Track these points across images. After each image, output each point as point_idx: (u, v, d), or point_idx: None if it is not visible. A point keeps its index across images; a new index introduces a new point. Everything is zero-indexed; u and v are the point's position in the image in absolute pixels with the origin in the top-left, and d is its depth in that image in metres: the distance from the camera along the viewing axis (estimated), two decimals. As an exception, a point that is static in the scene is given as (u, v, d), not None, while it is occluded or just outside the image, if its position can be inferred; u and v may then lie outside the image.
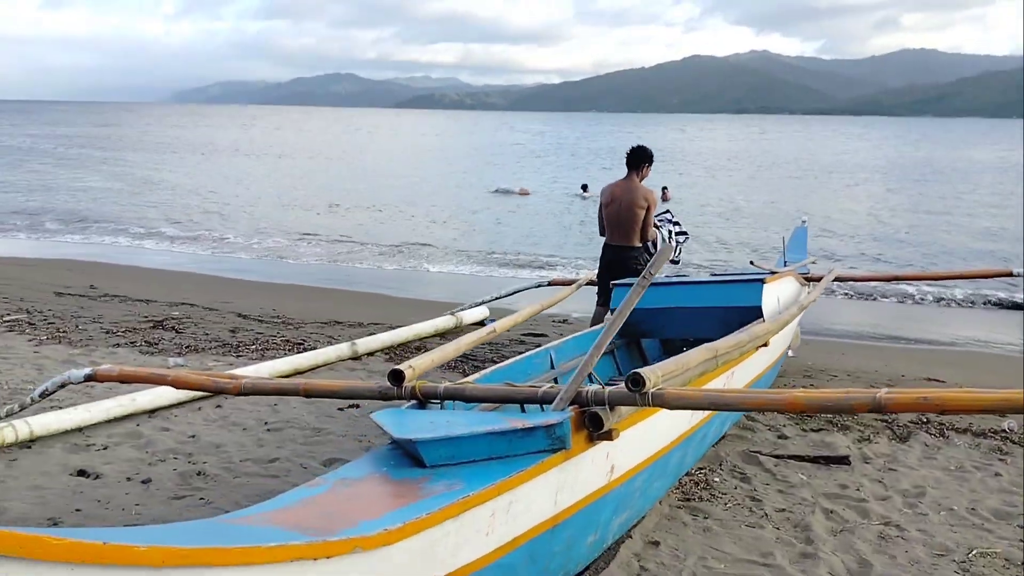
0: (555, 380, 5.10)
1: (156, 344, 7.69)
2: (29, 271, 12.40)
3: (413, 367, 3.61)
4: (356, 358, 7.36)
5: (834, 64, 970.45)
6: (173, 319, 8.86)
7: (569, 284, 8.13)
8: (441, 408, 3.54)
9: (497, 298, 8.66)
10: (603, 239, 7.46)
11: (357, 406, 5.75)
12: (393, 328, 8.26)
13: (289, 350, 7.55)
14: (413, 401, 3.51)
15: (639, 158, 7.16)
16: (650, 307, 5.79)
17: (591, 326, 7.11)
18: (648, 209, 7.14)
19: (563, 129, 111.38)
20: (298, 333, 8.43)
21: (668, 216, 7.99)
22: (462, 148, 64.83)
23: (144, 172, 35.67)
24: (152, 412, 5.59)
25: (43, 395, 4.38)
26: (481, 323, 8.67)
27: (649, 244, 7.24)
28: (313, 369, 6.89)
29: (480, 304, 8.87)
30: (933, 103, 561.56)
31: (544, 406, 3.30)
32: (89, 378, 4.14)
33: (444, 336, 8.26)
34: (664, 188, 26.81)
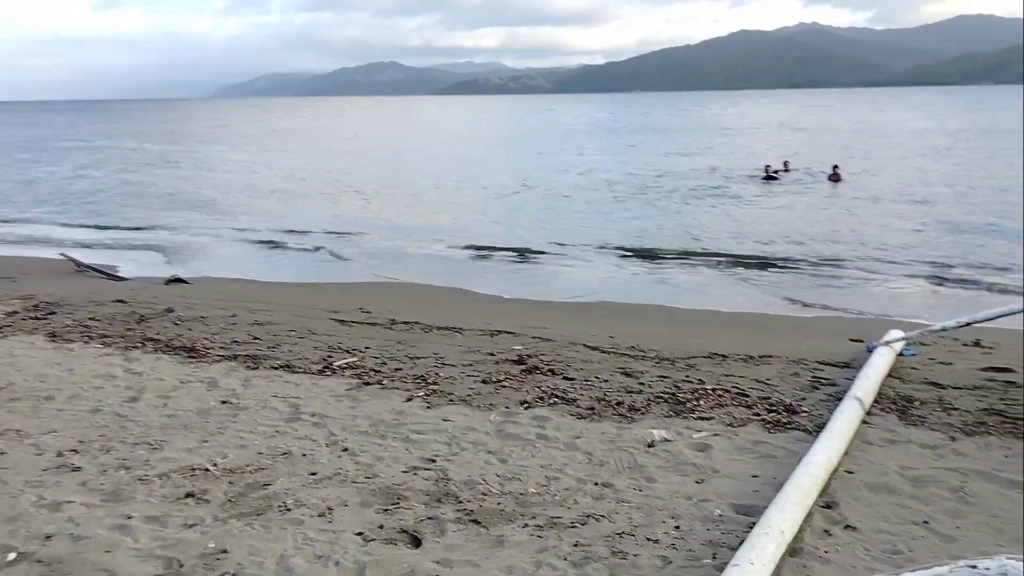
0: None
1: (591, 408, 5.70)
2: (263, 290, 10.67)
3: None
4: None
5: (887, 34, 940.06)
6: (532, 357, 6.95)
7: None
8: None
9: (967, 324, 6.58)
10: None
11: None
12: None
13: (727, 403, 5.63)
14: None
15: None
16: None
17: None
18: None
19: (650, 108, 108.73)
20: (697, 373, 6.45)
21: None
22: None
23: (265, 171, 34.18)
24: None
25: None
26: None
27: None
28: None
29: (938, 328, 6.83)
30: (993, 71, 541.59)
31: None
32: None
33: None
34: (835, 167, 24.48)
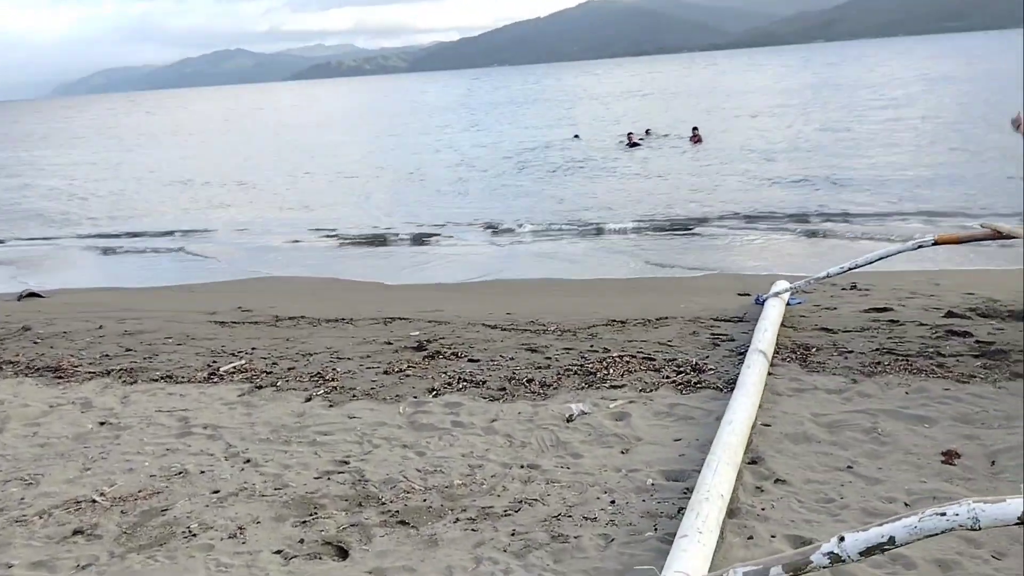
0: None
1: (503, 388, 5.55)
2: (127, 297, 9.92)
3: None
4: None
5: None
6: (432, 342, 6.72)
7: (964, 240, 6.46)
8: None
9: (851, 268, 6.80)
10: None
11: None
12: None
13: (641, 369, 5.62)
14: None
15: None
16: None
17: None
18: None
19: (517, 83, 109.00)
20: (601, 342, 6.42)
21: None
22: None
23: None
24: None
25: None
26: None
27: None
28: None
29: (823, 276, 7.04)
30: (822, 29, 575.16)
31: None
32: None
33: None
34: (695, 129, 25.25)
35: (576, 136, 29.02)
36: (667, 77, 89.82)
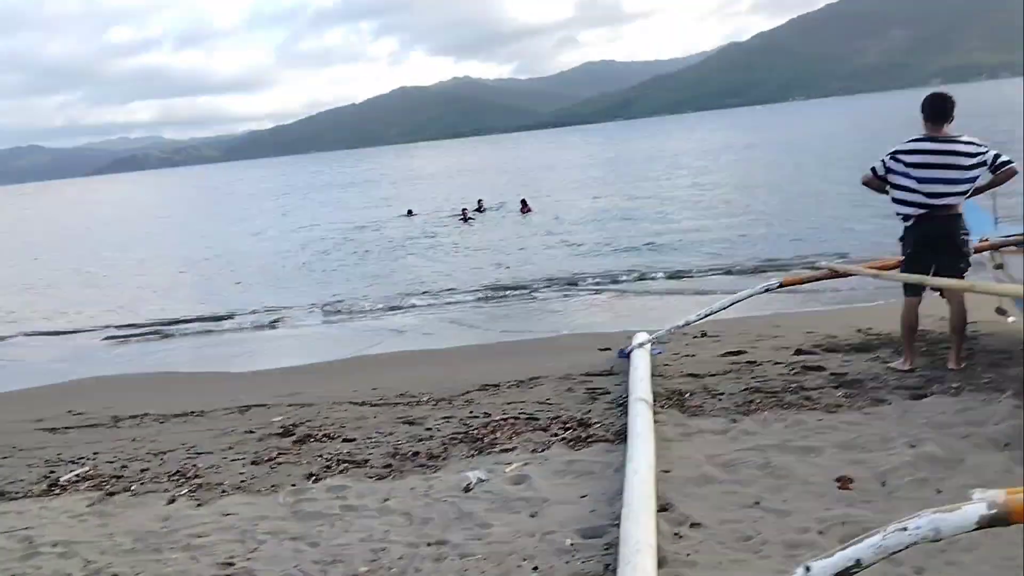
0: None
1: (388, 465, 5.25)
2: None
3: None
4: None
5: (530, 83, 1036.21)
6: (298, 426, 6.31)
7: (806, 281, 6.92)
8: None
9: (708, 315, 7.08)
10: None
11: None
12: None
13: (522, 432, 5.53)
14: None
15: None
16: None
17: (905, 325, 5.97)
18: None
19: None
20: (480, 407, 6.27)
21: None
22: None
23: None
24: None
25: None
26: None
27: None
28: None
29: (682, 324, 7.26)
30: (621, 108, 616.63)
31: None
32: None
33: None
34: (523, 200, 26.01)
35: (409, 212, 29.07)
36: (486, 156, 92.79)
